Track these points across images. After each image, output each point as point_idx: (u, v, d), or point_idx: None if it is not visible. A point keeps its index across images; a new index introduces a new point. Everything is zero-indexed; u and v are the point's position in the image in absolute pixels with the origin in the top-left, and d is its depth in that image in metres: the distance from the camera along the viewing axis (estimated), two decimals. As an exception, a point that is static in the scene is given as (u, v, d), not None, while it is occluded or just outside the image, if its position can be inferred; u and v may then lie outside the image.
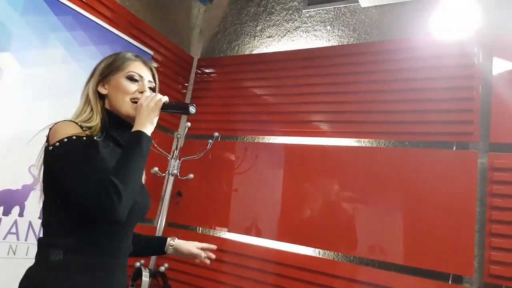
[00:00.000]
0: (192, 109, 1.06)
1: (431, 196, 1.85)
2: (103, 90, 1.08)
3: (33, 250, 1.83)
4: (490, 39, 1.90)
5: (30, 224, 1.84)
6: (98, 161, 0.94)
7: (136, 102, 1.06)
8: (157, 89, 1.14)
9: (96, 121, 1.03)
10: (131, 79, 1.08)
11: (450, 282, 1.75)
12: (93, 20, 2.12)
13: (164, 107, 1.04)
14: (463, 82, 1.91)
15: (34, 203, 1.83)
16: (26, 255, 1.80)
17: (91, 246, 0.96)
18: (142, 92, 1.07)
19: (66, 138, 0.93)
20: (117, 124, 1.06)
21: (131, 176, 0.92)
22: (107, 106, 1.08)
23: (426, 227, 1.83)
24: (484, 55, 1.90)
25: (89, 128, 1.00)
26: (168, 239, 1.25)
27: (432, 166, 1.89)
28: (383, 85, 2.11)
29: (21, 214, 1.81)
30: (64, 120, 1.01)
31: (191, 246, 1.26)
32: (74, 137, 0.94)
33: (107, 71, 1.09)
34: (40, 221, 1.92)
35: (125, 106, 1.06)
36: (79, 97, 1.10)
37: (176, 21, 2.84)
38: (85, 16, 2.08)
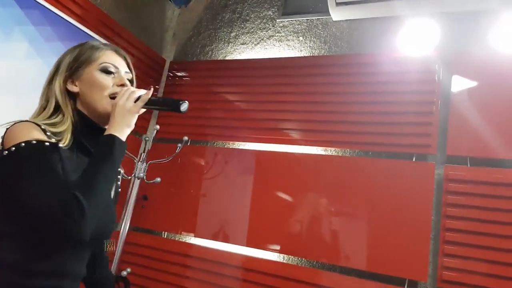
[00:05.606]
0: (184, 107, 0.90)
1: (391, 204, 1.93)
2: (73, 88, 0.93)
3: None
4: (450, 57, 2.02)
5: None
6: (59, 172, 0.79)
7: (114, 98, 0.91)
8: (134, 81, 1.00)
9: (66, 124, 0.89)
10: (106, 71, 0.93)
11: (406, 287, 1.83)
12: (61, 16, 2.06)
13: (149, 103, 0.89)
14: (424, 97, 2.02)
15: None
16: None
17: (36, 266, 0.83)
18: (121, 86, 0.94)
19: (24, 142, 0.78)
20: (89, 129, 0.92)
21: (97, 189, 0.79)
22: (78, 106, 0.93)
23: (386, 234, 1.91)
24: (444, 72, 2.02)
25: (55, 134, 0.86)
26: None
27: (393, 176, 1.97)
28: (350, 97, 2.18)
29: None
30: (25, 121, 0.85)
31: None
32: (34, 142, 0.79)
33: (75, 65, 0.93)
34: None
35: (102, 103, 0.91)
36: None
37: (149, 23, 2.81)
38: (53, 12, 2.02)
